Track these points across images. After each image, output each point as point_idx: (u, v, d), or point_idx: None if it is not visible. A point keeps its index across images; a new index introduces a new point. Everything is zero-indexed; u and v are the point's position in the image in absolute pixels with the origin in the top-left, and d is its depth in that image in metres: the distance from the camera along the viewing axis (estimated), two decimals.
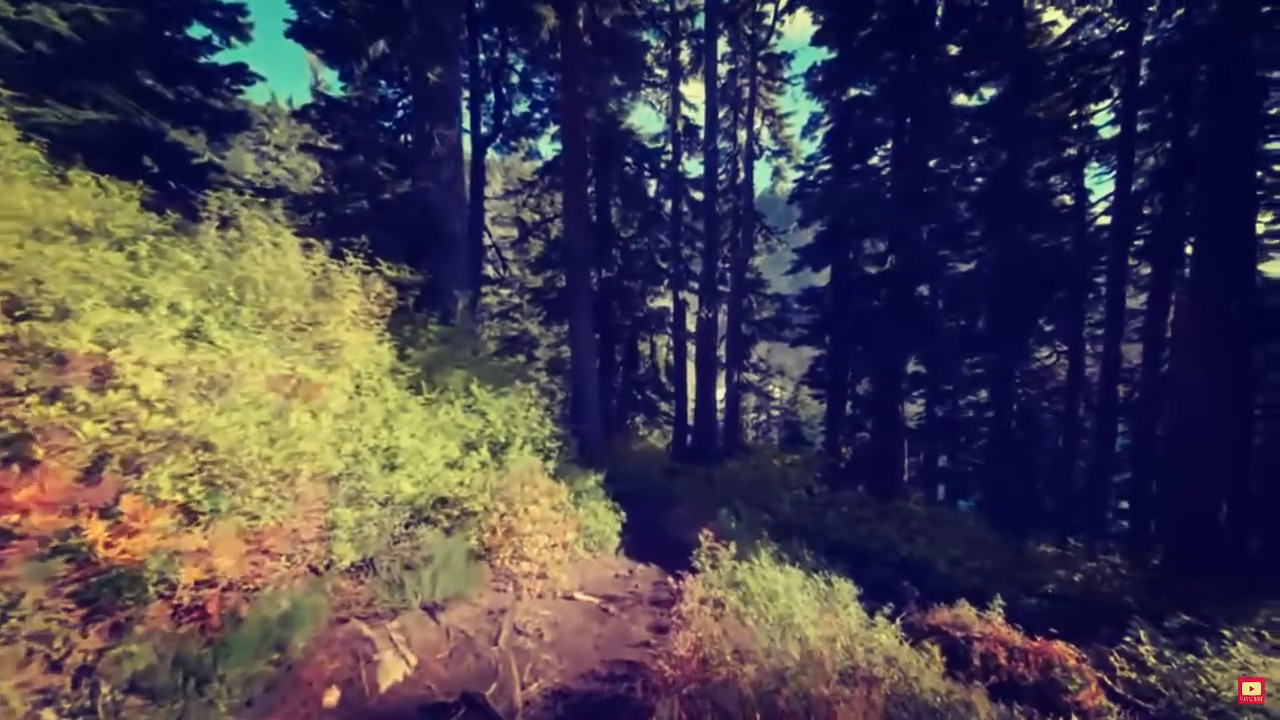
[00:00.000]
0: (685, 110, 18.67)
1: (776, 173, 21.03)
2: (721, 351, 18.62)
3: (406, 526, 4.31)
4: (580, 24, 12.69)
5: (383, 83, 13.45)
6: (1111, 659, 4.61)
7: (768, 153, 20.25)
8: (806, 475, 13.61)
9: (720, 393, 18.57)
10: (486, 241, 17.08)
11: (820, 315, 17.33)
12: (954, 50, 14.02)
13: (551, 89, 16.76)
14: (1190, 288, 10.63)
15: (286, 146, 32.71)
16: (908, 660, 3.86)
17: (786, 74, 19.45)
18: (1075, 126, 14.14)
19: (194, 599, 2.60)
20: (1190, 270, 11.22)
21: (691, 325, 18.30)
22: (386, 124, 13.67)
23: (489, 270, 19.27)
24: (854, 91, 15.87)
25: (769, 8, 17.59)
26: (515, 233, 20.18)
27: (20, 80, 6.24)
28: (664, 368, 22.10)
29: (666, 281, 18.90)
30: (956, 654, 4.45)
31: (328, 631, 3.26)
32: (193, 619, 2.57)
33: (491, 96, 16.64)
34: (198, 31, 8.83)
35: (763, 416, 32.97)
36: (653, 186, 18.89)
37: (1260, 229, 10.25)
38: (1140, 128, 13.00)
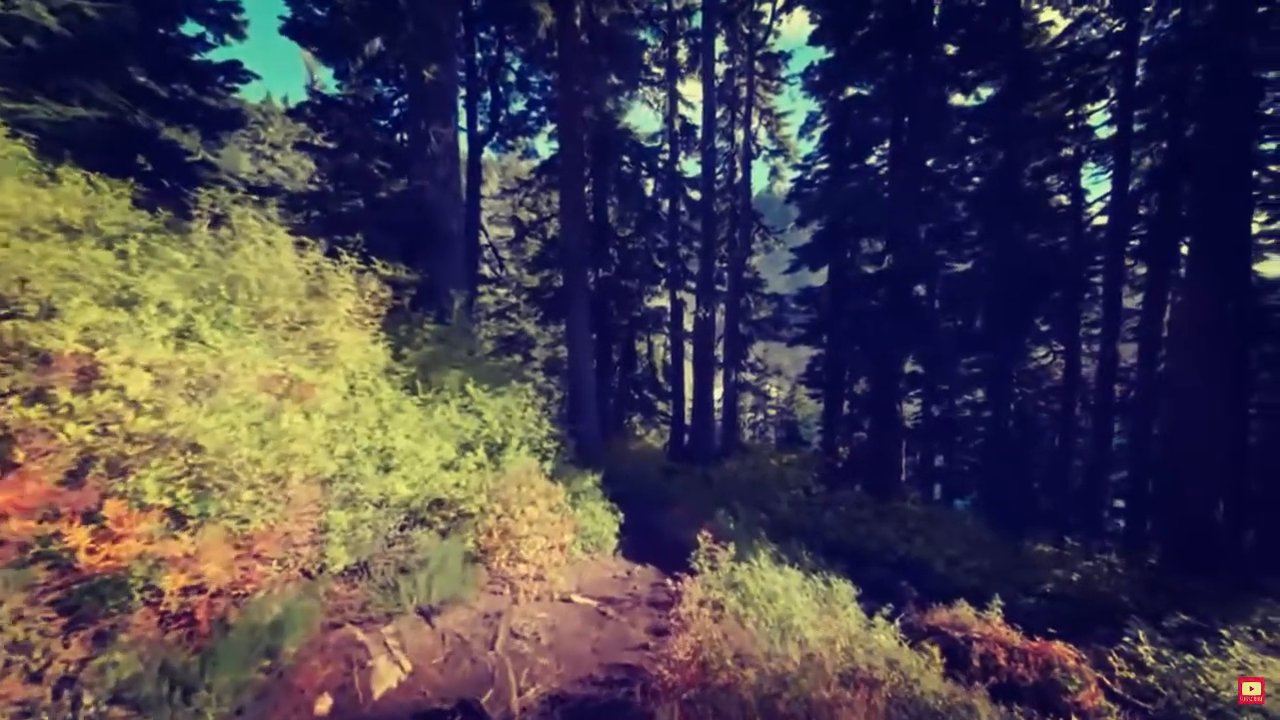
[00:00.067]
0: (683, 109, 18.66)
1: (774, 172, 21.03)
2: (719, 351, 18.60)
3: (401, 529, 4.25)
4: (577, 22, 12.63)
5: (378, 81, 13.38)
6: (1110, 659, 4.61)
7: (765, 152, 20.24)
8: (804, 475, 13.61)
9: (718, 392, 18.56)
10: (483, 241, 17.01)
11: (817, 315, 17.35)
12: (951, 50, 14.03)
13: (548, 87, 16.70)
14: (1186, 287, 10.64)
15: (282, 145, 32.52)
16: (908, 662, 3.83)
17: (784, 73, 19.45)
18: (1072, 126, 14.17)
19: (182, 605, 2.54)
20: (1186, 270, 11.22)
21: (689, 325, 18.26)
22: (382, 122, 13.58)
23: (485, 269, 19.22)
24: (851, 91, 15.88)
25: (766, 7, 17.57)
26: (512, 232, 20.10)
27: (8, 76, 6.16)
28: (661, 367, 22.07)
29: (664, 281, 18.87)
30: (956, 655, 4.43)
31: (320, 637, 3.21)
32: (180, 626, 2.51)
33: (488, 95, 16.58)
34: (191, 29, 8.78)
35: (760, 416, 32.98)
36: (650, 186, 18.86)
37: (1255, 229, 10.27)
38: (1137, 128, 13.02)
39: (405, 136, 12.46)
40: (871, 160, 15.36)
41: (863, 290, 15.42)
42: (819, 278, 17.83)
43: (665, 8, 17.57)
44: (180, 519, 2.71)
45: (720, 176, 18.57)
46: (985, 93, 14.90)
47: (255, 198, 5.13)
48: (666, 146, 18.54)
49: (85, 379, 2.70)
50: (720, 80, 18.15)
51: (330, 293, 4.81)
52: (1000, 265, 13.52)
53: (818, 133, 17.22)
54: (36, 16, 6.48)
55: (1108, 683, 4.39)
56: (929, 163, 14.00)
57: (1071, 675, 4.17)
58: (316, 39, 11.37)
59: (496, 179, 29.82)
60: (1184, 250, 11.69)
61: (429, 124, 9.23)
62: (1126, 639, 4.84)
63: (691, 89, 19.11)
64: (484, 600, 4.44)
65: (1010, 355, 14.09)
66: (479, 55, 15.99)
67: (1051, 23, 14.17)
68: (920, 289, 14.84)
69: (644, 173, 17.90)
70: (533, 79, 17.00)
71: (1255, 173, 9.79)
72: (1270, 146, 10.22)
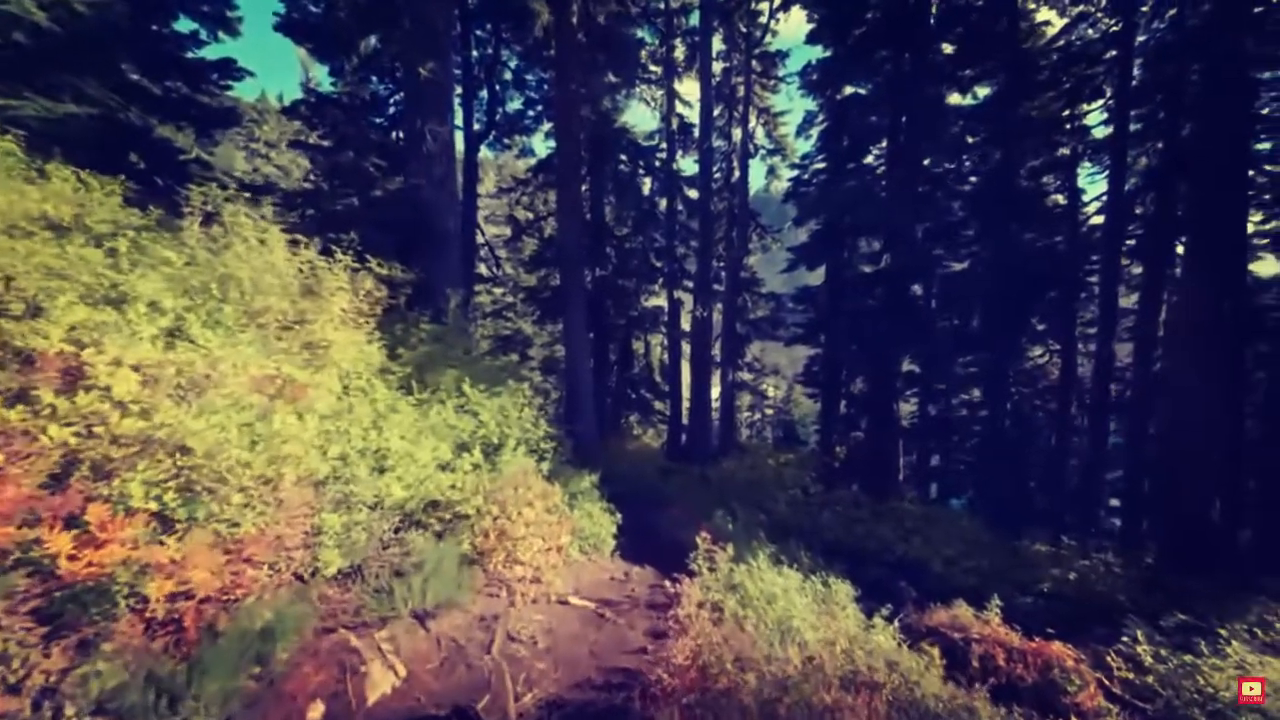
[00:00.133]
0: (680, 108, 18.60)
1: (771, 171, 20.99)
2: (716, 350, 18.57)
3: (396, 531, 4.19)
4: (574, 20, 12.56)
5: (374, 78, 13.29)
6: (1109, 659, 4.60)
7: (763, 151, 20.22)
8: (802, 474, 13.60)
9: (715, 392, 18.53)
10: (479, 240, 16.92)
11: (815, 314, 17.33)
12: (948, 49, 14.03)
13: (545, 86, 16.63)
14: (1182, 287, 10.68)
15: (276, 143, 32.34)
16: (908, 664, 3.81)
17: (781, 72, 19.44)
18: (1068, 126, 14.19)
19: (169, 612, 2.48)
20: (1182, 270, 11.27)
21: (686, 324, 18.22)
22: (378, 120, 13.49)
23: (482, 269, 19.12)
24: (849, 90, 15.87)
25: (764, 6, 17.55)
26: (508, 231, 20.02)
27: None
28: (658, 367, 22.03)
29: (661, 280, 18.83)
30: (955, 655, 4.41)
31: (313, 642, 3.15)
32: (167, 633, 2.45)
33: (484, 93, 16.49)
34: (185, 25, 8.72)
35: (757, 415, 32.99)
36: (647, 185, 18.81)
37: (1251, 228, 10.30)
38: (1133, 127, 13.04)
39: (401, 134, 12.37)
40: (869, 159, 15.35)
41: (860, 289, 15.42)
42: (816, 277, 17.82)
43: (662, 6, 17.52)
44: (168, 523, 2.65)
45: (718, 175, 18.54)
46: (982, 92, 14.91)
47: (249, 195, 5.07)
48: (664, 145, 18.50)
49: (70, 379, 2.63)
50: (718, 79, 18.10)
51: (324, 291, 4.74)
52: (997, 265, 13.53)
53: (815, 132, 17.20)
54: (26, 12, 6.39)
55: (1106, 683, 4.38)
56: (926, 162, 14.00)
57: (1070, 676, 4.16)
58: (311, 36, 11.28)
59: (493, 177, 29.70)
60: (1180, 250, 11.71)
61: (425, 122, 9.16)
62: (1124, 639, 4.84)
63: (689, 88, 19.16)
64: (480, 603, 4.39)
65: (1007, 355, 14.10)
66: (475, 53, 15.90)
67: (1048, 22, 14.19)
68: (917, 288, 14.84)
69: (641, 171, 17.86)
70: (529, 77, 16.94)
71: (1251, 172, 9.81)
72: (1266, 146, 10.26)
